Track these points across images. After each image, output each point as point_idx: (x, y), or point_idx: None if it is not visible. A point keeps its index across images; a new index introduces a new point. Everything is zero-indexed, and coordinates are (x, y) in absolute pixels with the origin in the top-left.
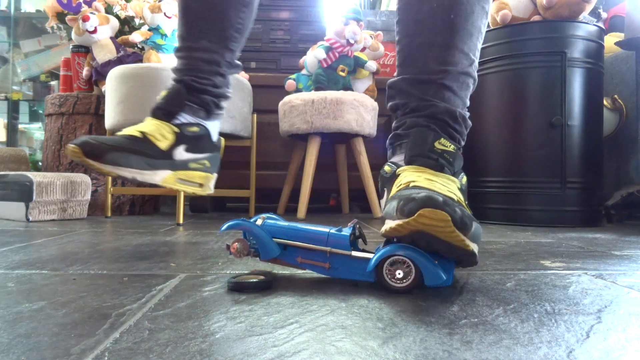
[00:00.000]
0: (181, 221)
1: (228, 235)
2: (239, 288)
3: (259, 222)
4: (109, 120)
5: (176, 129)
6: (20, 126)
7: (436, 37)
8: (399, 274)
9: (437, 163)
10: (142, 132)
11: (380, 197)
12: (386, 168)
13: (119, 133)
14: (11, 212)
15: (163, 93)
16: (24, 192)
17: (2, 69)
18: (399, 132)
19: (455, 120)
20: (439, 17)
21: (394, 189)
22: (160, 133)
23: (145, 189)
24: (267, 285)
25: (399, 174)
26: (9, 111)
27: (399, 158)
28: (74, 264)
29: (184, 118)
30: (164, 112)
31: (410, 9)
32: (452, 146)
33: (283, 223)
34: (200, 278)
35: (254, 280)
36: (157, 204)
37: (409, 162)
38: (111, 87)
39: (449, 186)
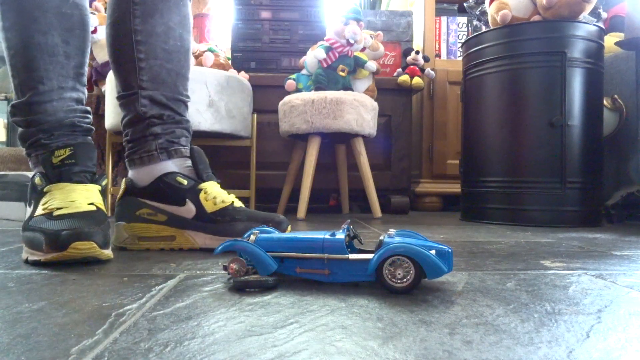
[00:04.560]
0: None
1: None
2: (244, 287)
3: (252, 238)
4: (109, 120)
5: None
6: None
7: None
8: (399, 273)
9: (79, 178)
10: None
11: (28, 204)
12: (37, 180)
13: None
14: (11, 212)
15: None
16: (24, 192)
17: (2, 69)
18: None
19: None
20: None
21: (40, 209)
22: None
23: None
24: (274, 285)
25: (46, 192)
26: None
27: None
28: (73, 264)
29: None
30: None
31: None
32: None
33: (276, 235)
34: (200, 278)
35: (261, 279)
36: None
37: (57, 179)
38: (111, 87)
39: (89, 196)
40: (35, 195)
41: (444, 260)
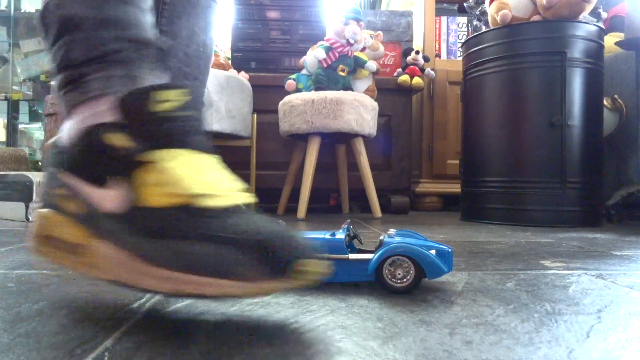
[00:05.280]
0: None
1: None
2: None
3: None
4: None
5: None
6: (20, 126)
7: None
8: (399, 273)
9: (201, 144)
10: None
11: (98, 183)
12: (116, 140)
13: None
14: (11, 212)
15: None
16: (24, 192)
17: (2, 69)
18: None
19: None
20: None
21: (155, 196)
22: None
23: None
24: None
25: (146, 162)
26: (9, 111)
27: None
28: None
29: None
30: None
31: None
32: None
33: None
34: None
35: None
36: None
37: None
38: None
39: (227, 175)
40: (121, 167)
41: (444, 260)
